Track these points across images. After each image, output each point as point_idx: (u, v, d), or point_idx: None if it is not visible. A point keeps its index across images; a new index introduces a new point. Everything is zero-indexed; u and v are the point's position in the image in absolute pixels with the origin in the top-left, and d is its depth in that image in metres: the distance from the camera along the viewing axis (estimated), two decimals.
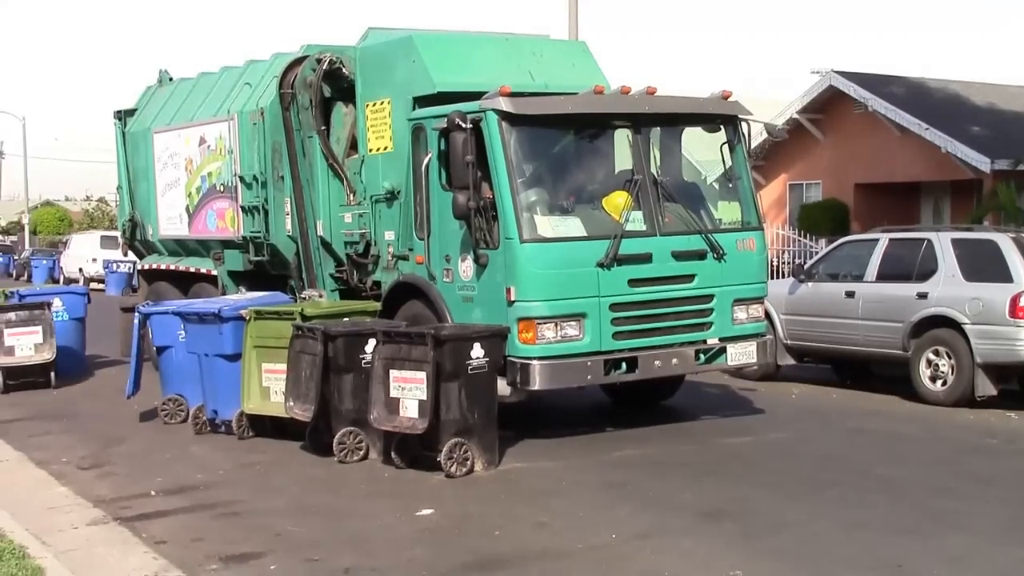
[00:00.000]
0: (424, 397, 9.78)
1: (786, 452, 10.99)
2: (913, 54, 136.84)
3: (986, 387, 13.27)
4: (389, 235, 12.35)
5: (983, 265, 13.57)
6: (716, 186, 12.64)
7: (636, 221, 11.25)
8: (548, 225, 10.95)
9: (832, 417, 12.89)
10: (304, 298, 13.32)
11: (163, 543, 8.14)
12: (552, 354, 10.71)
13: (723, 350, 11.61)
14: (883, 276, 14.41)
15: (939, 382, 13.59)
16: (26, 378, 15.84)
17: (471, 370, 9.91)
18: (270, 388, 11.44)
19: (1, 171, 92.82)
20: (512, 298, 10.65)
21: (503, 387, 10.68)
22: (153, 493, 9.68)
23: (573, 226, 11.10)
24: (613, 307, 10.96)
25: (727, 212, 12.22)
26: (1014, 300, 13.00)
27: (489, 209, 10.82)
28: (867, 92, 26.43)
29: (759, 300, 12.00)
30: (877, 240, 14.90)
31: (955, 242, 14.04)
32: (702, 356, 11.56)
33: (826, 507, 8.86)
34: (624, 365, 11.10)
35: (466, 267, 11.14)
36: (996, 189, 22.85)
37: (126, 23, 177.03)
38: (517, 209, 10.70)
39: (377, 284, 12.67)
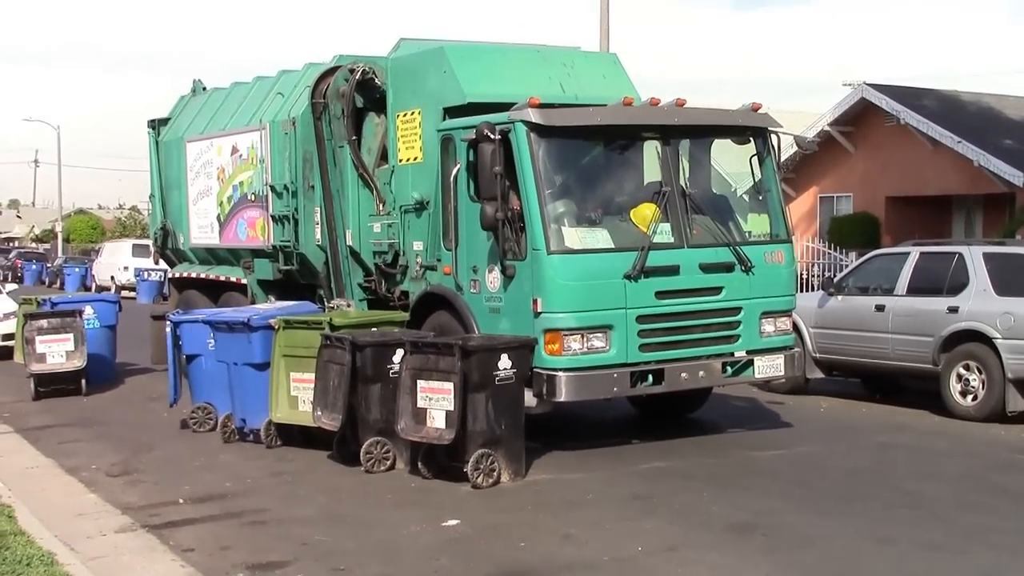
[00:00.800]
0: (451, 408, 9.78)
1: (814, 466, 10.92)
2: (945, 66, 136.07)
3: (1017, 402, 13.15)
4: (417, 245, 12.35)
5: (1015, 279, 13.47)
6: (745, 198, 12.56)
7: (664, 233, 11.24)
8: (575, 237, 10.95)
9: (861, 431, 12.80)
10: (332, 307, 13.34)
11: (190, 551, 8.18)
12: (578, 366, 10.69)
13: (750, 363, 11.58)
14: (914, 290, 14.32)
15: (969, 397, 13.49)
16: (57, 385, 15.94)
17: (498, 381, 9.91)
18: (298, 397, 11.48)
19: (36, 179, 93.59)
20: (539, 309, 10.65)
21: (529, 398, 10.67)
22: (181, 501, 9.72)
23: (600, 238, 11.10)
24: (640, 319, 10.94)
25: (756, 224, 12.17)
26: None
27: (517, 220, 10.84)
28: (899, 105, 26.31)
29: (787, 313, 11.96)
30: (908, 253, 14.81)
31: (987, 256, 13.94)
32: (729, 369, 11.53)
33: (854, 522, 8.79)
34: (651, 377, 11.09)
35: (493, 278, 11.15)
36: None
37: (161, 33, 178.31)
38: (545, 220, 10.71)
39: (405, 294, 12.68)
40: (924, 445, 12.02)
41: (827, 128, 27.80)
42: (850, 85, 27.64)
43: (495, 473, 9.91)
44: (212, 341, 12.50)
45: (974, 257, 13.97)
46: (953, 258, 14.22)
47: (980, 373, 13.36)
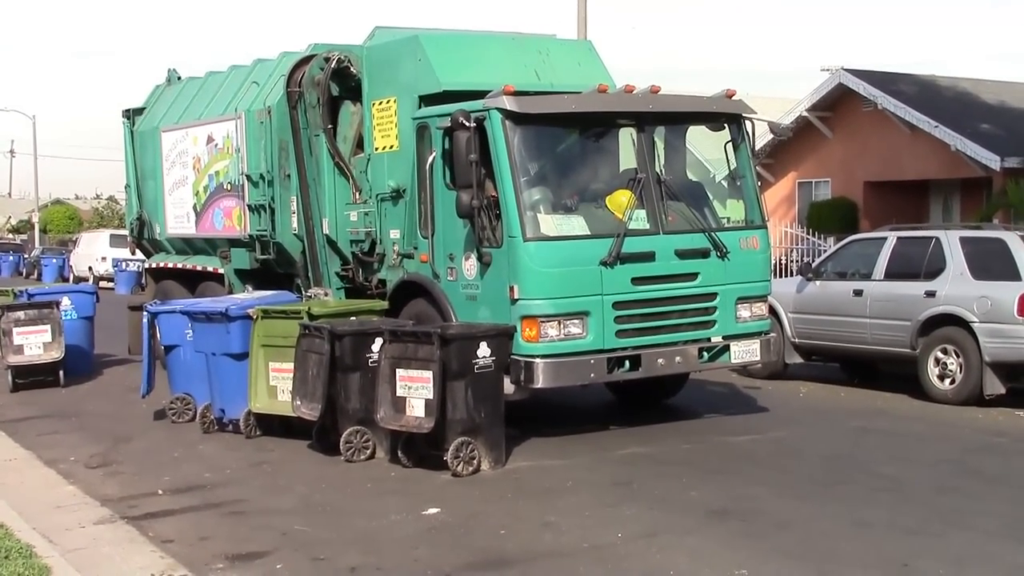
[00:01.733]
0: (430, 396, 9.80)
1: (793, 451, 10.99)
2: (923, 51, 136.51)
3: (995, 386, 13.25)
4: (394, 233, 12.39)
5: (991, 263, 13.55)
6: (721, 184, 12.62)
7: (639, 220, 11.28)
8: (551, 224, 10.98)
9: (839, 415, 12.88)
10: (310, 296, 13.39)
11: (170, 542, 8.17)
12: (555, 352, 10.73)
13: (726, 348, 11.65)
14: (891, 274, 14.40)
15: (947, 381, 13.58)
16: (35, 377, 15.90)
17: (477, 369, 9.93)
18: (277, 387, 11.47)
19: (12, 170, 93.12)
20: (515, 296, 10.70)
21: (507, 385, 10.70)
22: (160, 492, 9.71)
23: (576, 224, 11.14)
24: (616, 305, 10.99)
25: (731, 210, 12.24)
26: (1022, 299, 12.98)
27: (493, 208, 10.86)
28: (876, 90, 26.40)
29: (763, 298, 12.01)
30: (885, 238, 14.89)
31: (963, 240, 14.03)
32: (705, 354, 11.59)
33: (832, 506, 8.85)
34: (627, 363, 11.13)
35: (470, 265, 11.18)
36: (1006, 187, 22.82)
37: (136, 22, 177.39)
38: (520, 208, 10.74)
39: (382, 282, 12.73)
40: (902, 429, 12.10)
41: (805, 114, 27.87)
42: (828, 71, 27.71)
43: (475, 461, 9.93)
44: (190, 332, 12.48)
45: (951, 241, 14.05)
46: (930, 243, 14.30)
47: (958, 357, 13.45)
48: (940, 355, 13.64)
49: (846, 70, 27.24)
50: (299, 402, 10.92)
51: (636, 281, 11.10)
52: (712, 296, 11.53)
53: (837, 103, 27.85)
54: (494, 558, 7.71)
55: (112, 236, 44.04)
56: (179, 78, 18.16)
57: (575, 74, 12.68)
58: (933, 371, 13.70)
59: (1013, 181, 22.70)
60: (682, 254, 11.37)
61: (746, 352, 11.79)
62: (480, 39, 13.15)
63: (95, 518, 8.89)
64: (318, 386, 10.71)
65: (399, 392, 10.05)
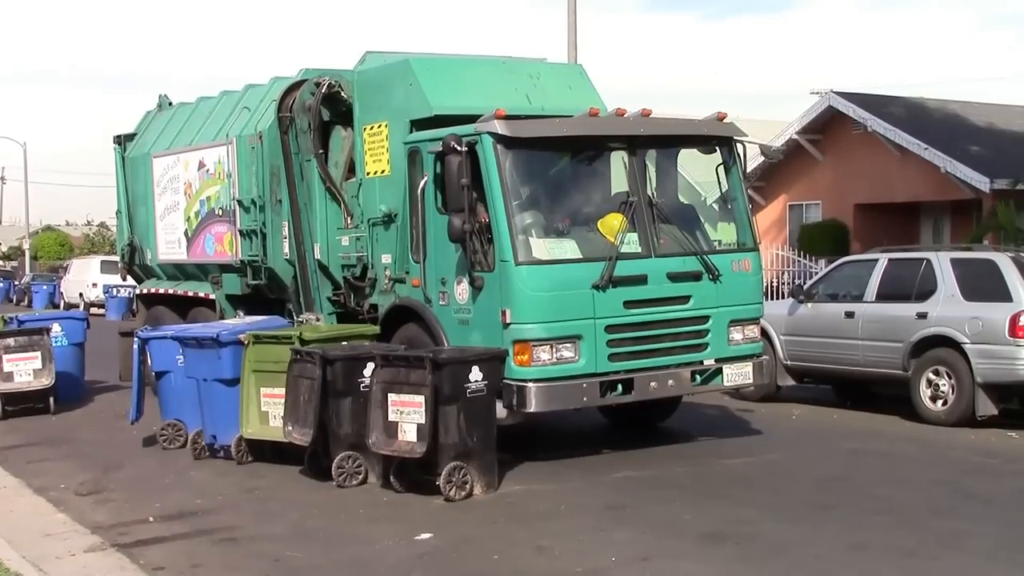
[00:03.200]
0: (423, 421, 9.76)
1: (787, 473, 10.96)
2: (912, 74, 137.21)
3: (987, 407, 13.25)
4: (386, 258, 12.35)
5: (982, 285, 13.58)
6: (713, 207, 12.70)
7: (631, 243, 11.27)
8: (543, 247, 10.97)
9: (832, 437, 12.85)
10: (301, 322, 13.32)
11: (161, 569, 8.11)
12: (548, 376, 10.70)
13: (719, 371, 11.61)
14: (883, 296, 14.41)
15: (939, 402, 13.58)
16: (25, 404, 15.81)
17: (470, 393, 9.89)
18: (269, 412, 11.42)
19: (2, 196, 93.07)
20: (507, 320, 10.67)
21: (500, 410, 10.67)
22: (151, 519, 9.64)
23: (568, 248, 11.13)
24: (609, 328, 10.96)
25: (723, 233, 12.27)
26: (1014, 319, 13.00)
27: (484, 232, 10.85)
28: (866, 112, 26.51)
29: (755, 321, 11.99)
30: (876, 260, 14.90)
31: (954, 262, 14.06)
32: (698, 377, 11.55)
33: (827, 528, 8.82)
34: (620, 387, 11.10)
35: (462, 290, 11.16)
36: (996, 209, 22.87)
37: (126, 50, 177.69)
38: (512, 232, 10.73)
39: (374, 307, 12.66)
40: (895, 451, 12.08)
41: (795, 136, 27.97)
42: (817, 93, 27.82)
43: (467, 486, 9.88)
44: (181, 357, 12.42)
45: (942, 263, 14.07)
46: (921, 264, 14.33)
47: (950, 378, 13.46)
48: (932, 376, 13.64)
49: (835, 93, 27.35)
50: (290, 427, 10.87)
51: (628, 304, 11.07)
52: (704, 319, 11.50)
53: (827, 126, 27.96)
54: None
55: (103, 262, 43.96)
56: (170, 103, 18.16)
57: (566, 98, 12.69)
58: (925, 392, 13.70)
59: (1003, 203, 22.76)
60: (674, 277, 11.34)
61: (739, 375, 11.76)
62: (471, 63, 13.17)
63: (85, 546, 8.83)
64: (310, 411, 10.66)
65: (391, 417, 10.01)
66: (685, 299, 11.40)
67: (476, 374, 9.93)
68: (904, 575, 7.61)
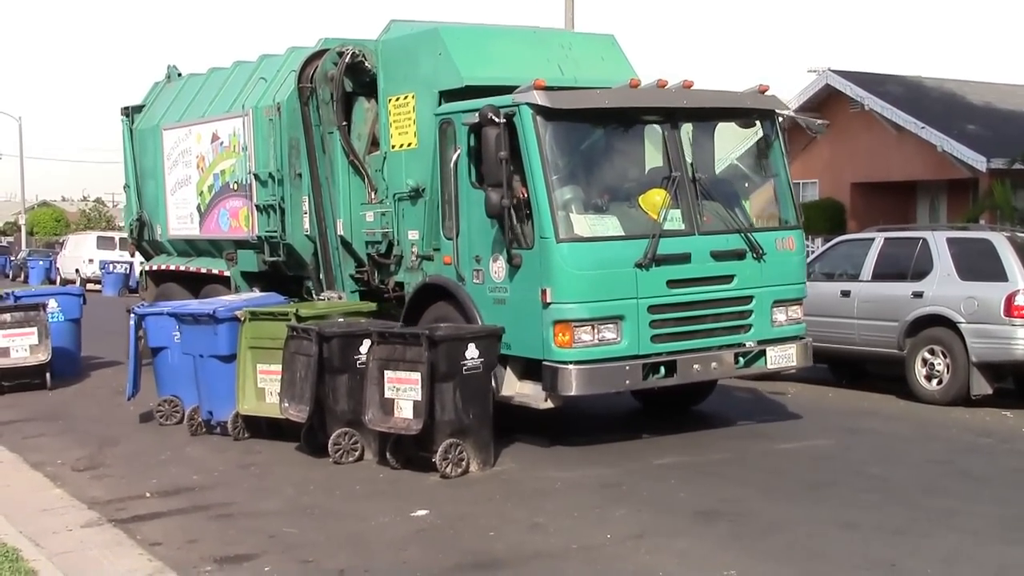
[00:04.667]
0: (419, 398, 9.78)
1: (781, 452, 10.99)
2: (910, 52, 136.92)
3: (981, 386, 13.29)
4: (413, 235, 12.01)
5: (978, 264, 13.59)
6: (754, 183, 12.19)
7: (674, 220, 10.86)
8: (585, 224, 10.57)
9: (828, 416, 12.88)
10: (323, 299, 13.04)
11: (158, 545, 8.15)
12: (589, 358, 10.32)
13: (762, 353, 11.24)
14: (879, 275, 14.43)
15: (935, 381, 13.61)
16: (21, 379, 15.82)
17: (466, 371, 9.91)
18: (265, 389, 11.44)
19: None
20: (548, 300, 10.28)
21: (537, 393, 10.50)
22: (148, 495, 9.68)
23: (610, 225, 10.73)
24: (651, 309, 10.57)
25: (765, 210, 11.84)
26: (1009, 299, 13.02)
27: (523, 207, 10.45)
28: (863, 91, 26.50)
29: (798, 301, 11.58)
30: (873, 239, 14.92)
31: (950, 241, 14.07)
32: (741, 359, 11.18)
33: (820, 507, 8.87)
34: (663, 369, 10.71)
35: (498, 268, 10.79)
36: (992, 188, 22.89)
37: (123, 21, 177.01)
38: (553, 207, 10.31)
39: (400, 285, 12.34)
40: (890, 430, 12.12)
41: (792, 114, 27.89)
42: (815, 71, 27.79)
43: (463, 463, 9.92)
44: (178, 334, 12.44)
45: (938, 242, 14.09)
46: (917, 243, 14.34)
47: (945, 357, 13.48)
48: (927, 356, 13.67)
49: (833, 71, 27.32)
50: (287, 404, 10.90)
51: (672, 284, 10.67)
52: (748, 299, 11.12)
53: (824, 104, 27.92)
54: (483, 560, 7.70)
55: (99, 238, 43.99)
56: (179, 74, 17.68)
57: (599, 69, 12.29)
58: (920, 372, 13.73)
59: (999, 182, 22.78)
60: (717, 255, 10.96)
61: (782, 357, 11.38)
62: (501, 32, 12.70)
63: (82, 521, 8.87)
64: (306, 388, 10.69)
65: (387, 394, 10.03)
66: (729, 279, 11.02)
67: (472, 351, 9.95)
68: (895, 553, 7.64)
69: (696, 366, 10.87)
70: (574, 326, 10.27)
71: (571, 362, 10.27)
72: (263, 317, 11.59)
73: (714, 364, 11.00)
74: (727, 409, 13.10)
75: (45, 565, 7.61)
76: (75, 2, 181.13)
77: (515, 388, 10.85)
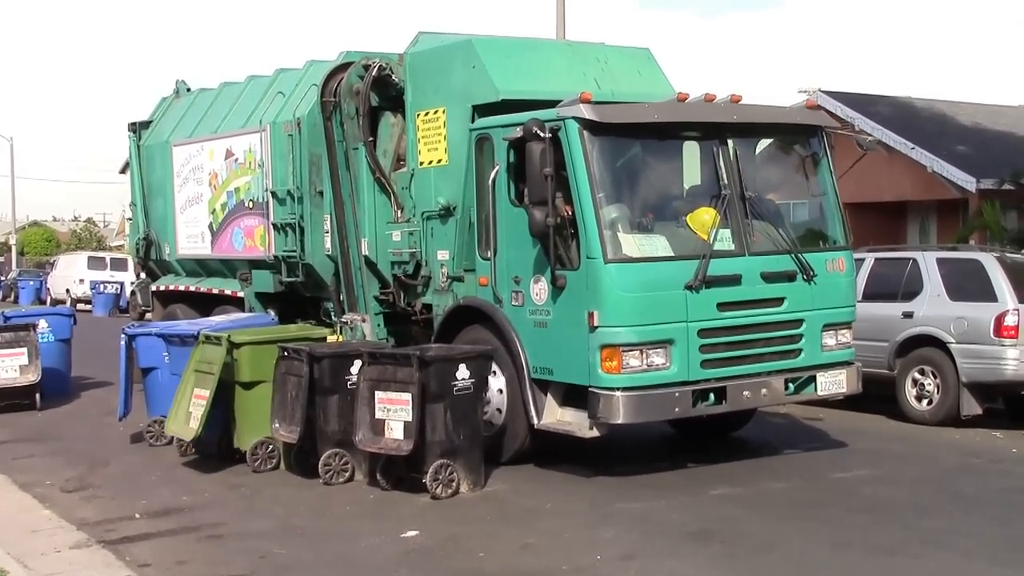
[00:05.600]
0: (409, 418, 9.77)
1: (772, 472, 10.97)
2: (899, 74, 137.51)
3: (971, 406, 13.31)
4: (443, 255, 11.63)
5: (968, 284, 13.64)
6: (803, 202, 12.01)
7: (724, 240, 10.48)
8: (633, 244, 10.20)
9: (819, 437, 12.88)
10: (344, 322, 12.77)
11: (147, 566, 8.12)
12: (638, 384, 9.90)
13: (812, 379, 10.87)
14: (869, 295, 14.43)
15: (925, 401, 13.64)
16: (11, 400, 15.73)
17: (456, 391, 9.89)
18: (192, 414, 11.13)
19: None
20: (595, 323, 9.85)
21: (580, 421, 10.20)
22: (137, 516, 9.64)
23: (659, 245, 10.39)
24: (702, 333, 10.18)
25: (815, 230, 11.64)
26: (999, 319, 13.06)
27: (567, 226, 10.08)
28: (854, 112, 26.51)
29: (848, 325, 11.18)
30: (863, 259, 14.92)
31: (940, 261, 14.12)
32: (791, 385, 10.78)
33: (812, 526, 8.87)
34: (712, 396, 10.32)
35: (539, 289, 10.37)
36: (981, 208, 22.92)
37: (115, 43, 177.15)
38: (600, 226, 9.90)
39: (427, 307, 11.96)
40: (881, 449, 12.12)
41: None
42: (806, 92, 27.81)
43: (454, 483, 9.90)
44: (167, 355, 12.41)
45: (928, 263, 14.14)
46: (907, 264, 14.39)
47: (935, 378, 13.52)
48: (918, 376, 13.70)
49: (823, 92, 27.36)
50: (277, 424, 10.87)
51: (722, 307, 10.27)
52: (799, 323, 10.73)
53: None
54: None
55: (90, 258, 43.99)
56: (188, 89, 17.45)
57: (636, 83, 11.98)
58: (911, 392, 13.76)
59: (988, 203, 22.79)
60: (768, 277, 10.58)
61: (833, 383, 10.97)
62: (535, 45, 12.47)
63: (71, 542, 8.82)
64: (296, 408, 10.66)
65: (378, 414, 10.01)
66: (779, 301, 10.64)
67: (463, 372, 9.93)
68: (887, 573, 7.65)
69: (746, 393, 10.46)
70: (622, 351, 9.85)
71: (619, 388, 9.85)
72: (212, 341, 11.26)
73: (764, 391, 10.60)
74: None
75: None
76: (65, 22, 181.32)
77: (556, 416, 10.56)
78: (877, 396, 14.61)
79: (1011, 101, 33.67)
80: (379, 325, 12.76)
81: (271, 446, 11.08)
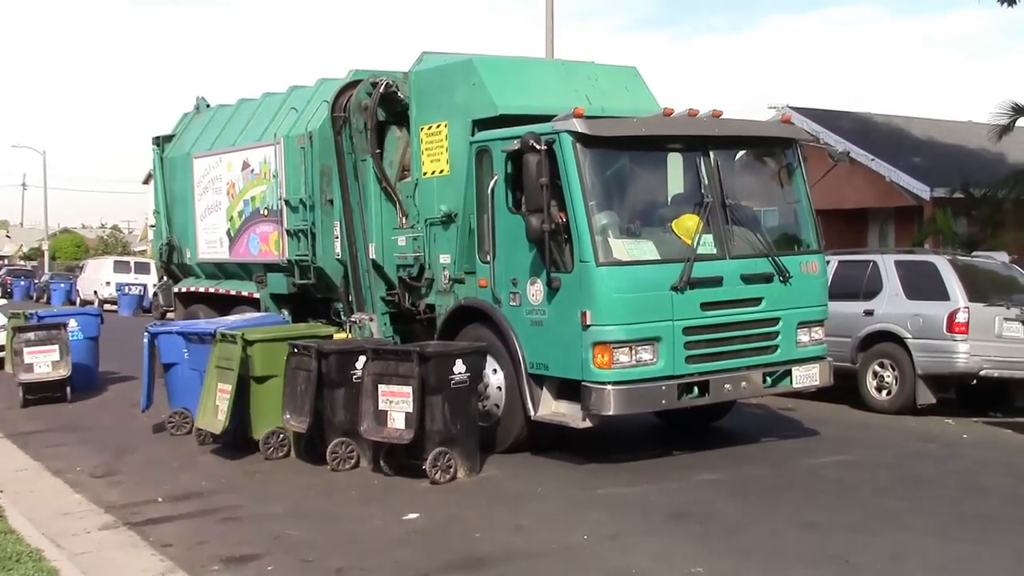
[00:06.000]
0: (410, 410, 9.76)
1: (749, 458, 10.95)
2: (860, 91, 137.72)
3: (926, 396, 13.35)
4: (444, 258, 11.63)
5: (923, 284, 13.68)
6: (778, 209, 12.01)
7: (707, 244, 10.55)
8: (623, 248, 10.24)
9: (787, 425, 12.89)
10: (353, 322, 12.73)
11: (169, 546, 8.10)
12: (627, 379, 9.95)
13: (788, 373, 10.91)
14: (833, 295, 14.36)
15: (884, 392, 13.67)
16: (44, 393, 15.73)
17: (454, 385, 9.88)
18: (219, 407, 11.13)
19: (24, 201, 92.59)
20: (588, 322, 9.89)
21: (574, 413, 10.23)
22: (160, 500, 9.63)
23: (647, 249, 10.44)
24: (686, 331, 10.22)
25: (789, 235, 11.67)
26: (951, 316, 13.11)
27: (562, 232, 10.12)
28: (819, 126, 26.55)
29: (821, 323, 11.23)
30: (828, 262, 14.92)
31: (898, 263, 14.16)
32: (768, 379, 10.82)
33: (781, 508, 8.87)
34: (696, 389, 10.37)
35: (535, 290, 10.41)
36: (935, 215, 22.99)
37: (139, 63, 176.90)
38: (592, 232, 9.96)
39: (431, 307, 11.94)
40: (845, 437, 12.13)
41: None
42: (775, 108, 27.85)
43: (452, 470, 9.89)
44: (186, 351, 12.39)
45: (887, 265, 14.17)
46: (868, 266, 14.42)
47: (893, 370, 13.56)
48: (878, 369, 13.73)
49: (791, 108, 27.39)
50: (288, 415, 10.86)
51: (705, 306, 10.33)
52: (775, 321, 10.78)
53: None
54: (470, 559, 7.67)
55: (116, 262, 43.90)
56: (208, 105, 17.42)
57: (624, 99, 11.97)
58: (871, 383, 13.79)
59: (942, 210, 22.88)
60: (747, 279, 10.65)
61: (807, 376, 11.03)
62: (530, 64, 12.51)
63: (99, 524, 8.82)
64: (306, 401, 10.65)
65: (381, 406, 10.00)
66: (757, 301, 10.70)
67: (460, 367, 9.92)
68: (851, 549, 7.65)
69: (727, 386, 10.54)
70: (613, 347, 9.91)
71: (610, 382, 9.90)
72: (228, 339, 11.27)
73: (744, 384, 10.65)
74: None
75: (65, 564, 7.56)
76: (94, 43, 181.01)
77: (551, 408, 10.55)
78: (841, 388, 14.67)
79: (961, 117, 33.74)
80: (385, 324, 12.72)
81: (282, 435, 11.08)
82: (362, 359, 10.36)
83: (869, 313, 13.90)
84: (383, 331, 12.66)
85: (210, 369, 11.37)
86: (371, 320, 12.62)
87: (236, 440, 11.35)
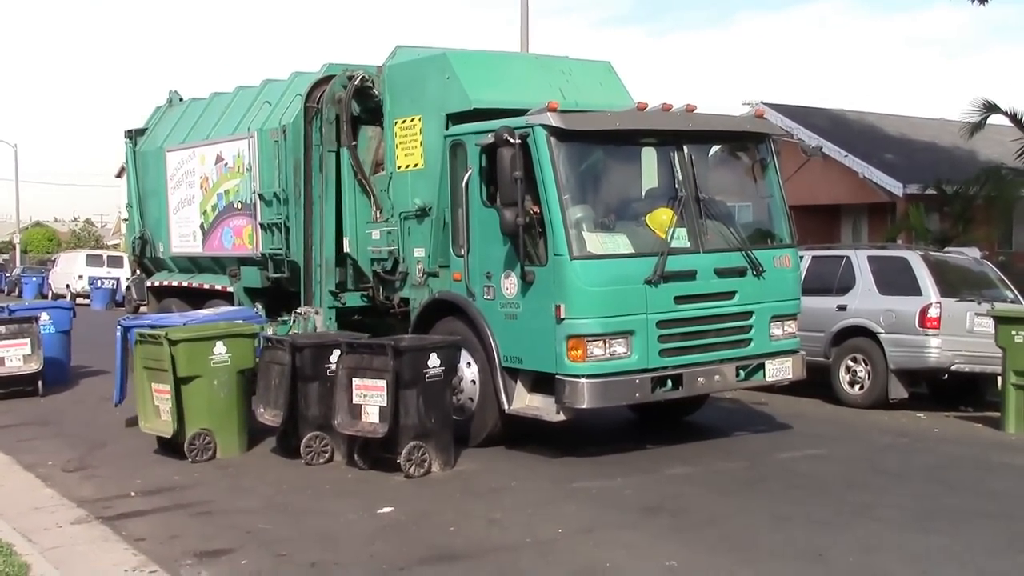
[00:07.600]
0: (384, 403, 9.74)
1: (722, 452, 11.00)
2: (834, 87, 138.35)
3: (898, 391, 13.43)
4: (419, 252, 11.61)
5: (896, 280, 13.76)
6: (751, 203, 12.06)
7: (680, 238, 10.52)
8: (597, 242, 10.21)
9: (760, 419, 12.95)
10: (299, 314, 12.70)
11: (142, 540, 8.06)
12: (601, 372, 9.94)
13: (761, 366, 10.93)
14: (807, 290, 14.43)
15: (857, 386, 13.75)
16: (15, 387, 15.60)
17: (428, 378, 9.87)
18: (160, 407, 10.96)
19: None
20: (562, 316, 9.88)
21: (548, 406, 10.20)
22: (133, 494, 9.57)
23: (620, 243, 10.41)
24: (660, 324, 10.21)
25: (763, 229, 11.67)
26: (923, 311, 13.20)
27: (536, 226, 10.08)
28: (792, 122, 26.68)
29: (794, 316, 11.23)
30: (801, 257, 15.00)
31: (871, 259, 14.24)
32: (742, 372, 10.84)
33: (755, 501, 8.91)
34: (670, 382, 10.37)
35: (510, 284, 10.39)
36: (908, 211, 23.14)
37: (111, 56, 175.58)
38: (566, 226, 9.93)
39: (405, 301, 11.93)
40: (818, 431, 12.19)
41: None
42: (749, 104, 27.94)
43: (426, 464, 9.88)
44: None
45: (860, 260, 14.25)
46: (841, 261, 14.51)
47: (866, 365, 13.64)
48: (850, 363, 13.81)
49: (765, 104, 27.48)
50: (262, 409, 10.82)
51: (679, 300, 10.33)
52: (748, 315, 10.78)
53: None
54: (444, 553, 7.67)
55: (88, 256, 43.67)
56: (180, 99, 17.29)
57: (598, 94, 11.94)
58: (844, 378, 13.86)
59: (914, 206, 23.03)
60: (721, 272, 10.64)
61: (780, 370, 11.04)
62: (505, 58, 12.48)
63: (72, 518, 8.75)
64: (280, 394, 10.62)
65: (355, 400, 9.98)
66: (731, 295, 10.70)
67: (434, 360, 9.91)
68: (823, 543, 7.69)
69: (700, 379, 10.54)
70: (587, 341, 9.88)
71: (584, 376, 9.87)
72: (149, 340, 11.06)
73: (717, 377, 10.65)
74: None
75: (37, 559, 7.50)
76: (65, 35, 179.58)
77: (525, 401, 10.54)
78: (814, 382, 14.74)
79: (932, 114, 33.96)
80: (331, 319, 12.71)
81: (207, 437, 10.81)
82: (336, 353, 10.33)
83: (842, 308, 13.98)
84: (327, 325, 12.63)
85: (138, 371, 11.12)
86: (316, 314, 12.56)
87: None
